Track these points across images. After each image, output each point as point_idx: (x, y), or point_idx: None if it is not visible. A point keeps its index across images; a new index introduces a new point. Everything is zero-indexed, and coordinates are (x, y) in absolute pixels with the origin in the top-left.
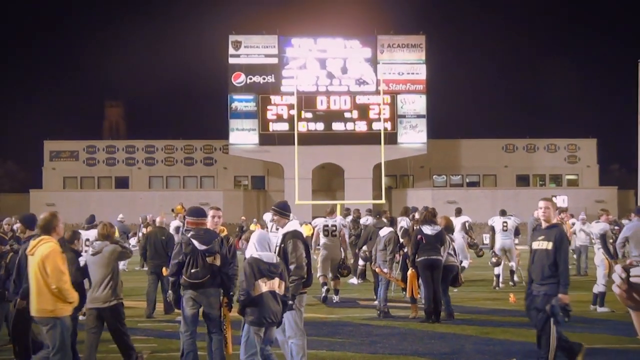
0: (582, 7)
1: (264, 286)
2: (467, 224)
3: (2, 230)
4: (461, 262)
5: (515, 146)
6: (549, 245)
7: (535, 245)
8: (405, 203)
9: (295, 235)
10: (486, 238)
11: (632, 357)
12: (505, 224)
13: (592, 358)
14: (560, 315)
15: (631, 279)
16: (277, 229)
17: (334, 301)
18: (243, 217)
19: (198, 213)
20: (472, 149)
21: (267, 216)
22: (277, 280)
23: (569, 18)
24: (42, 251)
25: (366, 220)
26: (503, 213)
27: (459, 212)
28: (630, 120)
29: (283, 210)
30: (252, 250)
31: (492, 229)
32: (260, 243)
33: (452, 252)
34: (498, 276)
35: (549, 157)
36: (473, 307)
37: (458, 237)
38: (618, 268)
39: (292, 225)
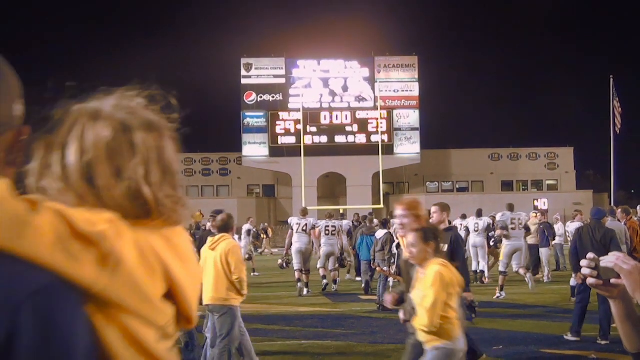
0: (558, 28)
1: None
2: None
3: None
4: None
5: (500, 155)
6: (444, 247)
7: None
8: None
9: None
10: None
11: (606, 344)
12: (477, 225)
13: (570, 345)
14: (467, 314)
15: (601, 263)
16: (303, 230)
17: (333, 289)
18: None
19: None
20: (461, 158)
21: (293, 219)
22: None
23: (548, 39)
24: (224, 247)
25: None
26: (479, 214)
27: (478, 214)
28: (604, 130)
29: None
30: None
31: (467, 229)
32: None
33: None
34: (474, 272)
35: (530, 164)
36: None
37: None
38: (584, 262)
39: None
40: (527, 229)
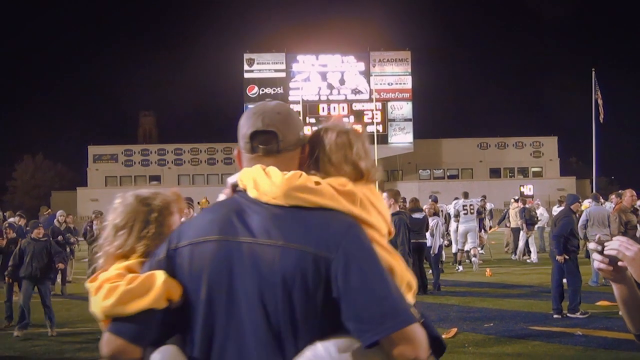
0: (543, 25)
1: None
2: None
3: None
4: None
5: (488, 144)
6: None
7: None
8: None
9: None
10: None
11: (593, 320)
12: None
13: (557, 322)
14: None
15: (605, 251)
16: None
17: None
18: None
19: None
20: (451, 147)
21: None
22: None
23: (534, 36)
24: None
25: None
26: (457, 199)
27: (465, 196)
28: (586, 119)
29: None
30: None
31: (448, 215)
32: None
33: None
34: (455, 254)
35: (517, 152)
36: (456, 280)
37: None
38: (592, 245)
39: None
40: (479, 213)
